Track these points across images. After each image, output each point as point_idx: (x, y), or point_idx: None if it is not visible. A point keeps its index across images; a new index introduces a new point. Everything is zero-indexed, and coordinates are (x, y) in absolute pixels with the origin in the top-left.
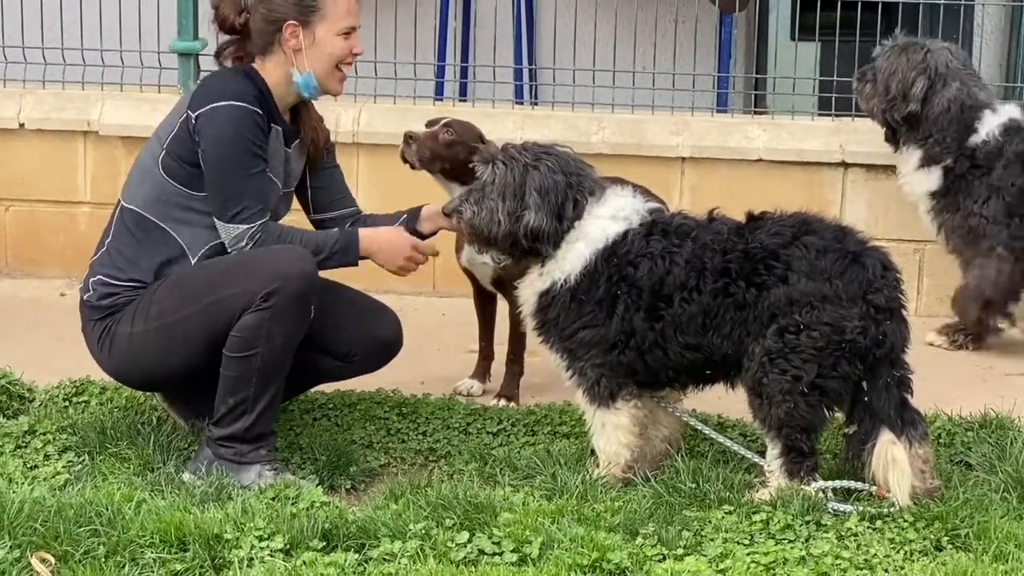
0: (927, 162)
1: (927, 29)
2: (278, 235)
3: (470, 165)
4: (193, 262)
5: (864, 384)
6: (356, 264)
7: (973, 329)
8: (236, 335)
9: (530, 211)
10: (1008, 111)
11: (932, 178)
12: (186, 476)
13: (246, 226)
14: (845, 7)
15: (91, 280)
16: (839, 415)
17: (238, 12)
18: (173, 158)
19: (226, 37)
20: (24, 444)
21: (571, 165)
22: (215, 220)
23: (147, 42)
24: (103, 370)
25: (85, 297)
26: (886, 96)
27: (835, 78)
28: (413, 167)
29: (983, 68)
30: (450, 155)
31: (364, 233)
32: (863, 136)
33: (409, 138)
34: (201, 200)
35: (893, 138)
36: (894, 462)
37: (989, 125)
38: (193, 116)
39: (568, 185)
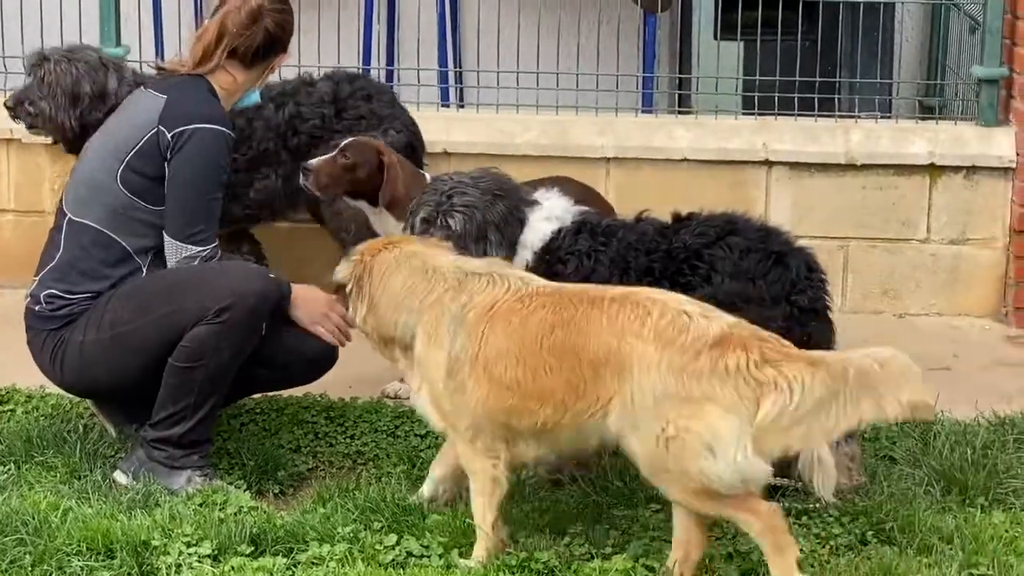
0: None
1: (848, 27)
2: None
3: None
4: (145, 272)
5: None
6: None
7: None
8: (185, 345)
9: (492, 247)
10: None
11: None
12: (117, 474)
13: (199, 248)
14: (767, 6)
15: (42, 294)
16: None
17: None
18: (135, 172)
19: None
20: None
21: (509, 187)
22: (167, 237)
23: None
24: (52, 380)
25: (36, 309)
26: (76, 104)
27: (758, 77)
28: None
29: (903, 66)
30: (351, 178)
31: (295, 288)
32: (786, 134)
33: (305, 169)
34: (158, 214)
35: (77, 143)
36: (820, 461)
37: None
38: (168, 134)
39: (515, 207)
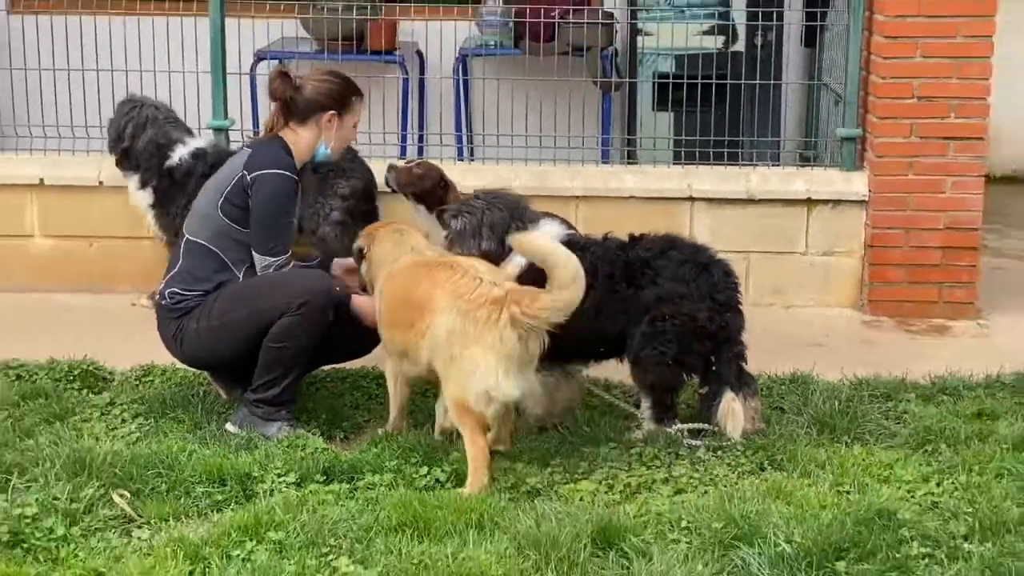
0: (142, 184)
1: (748, 102)
2: (296, 267)
3: (440, 205)
4: (240, 278)
5: (712, 358)
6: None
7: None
8: (275, 331)
9: (484, 241)
10: (196, 142)
11: (147, 195)
12: (229, 426)
13: (275, 259)
14: (690, 88)
15: (167, 291)
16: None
17: (293, 88)
18: (231, 204)
19: (276, 113)
20: (107, 412)
21: (513, 204)
22: (254, 253)
23: (190, 121)
24: (174, 356)
25: (163, 303)
26: (118, 141)
27: (684, 137)
28: (393, 190)
29: (788, 129)
30: (419, 184)
31: (353, 297)
32: (705, 178)
33: (391, 168)
34: (246, 234)
35: (120, 165)
36: (733, 413)
37: (180, 153)
38: (248, 176)
39: (511, 218)
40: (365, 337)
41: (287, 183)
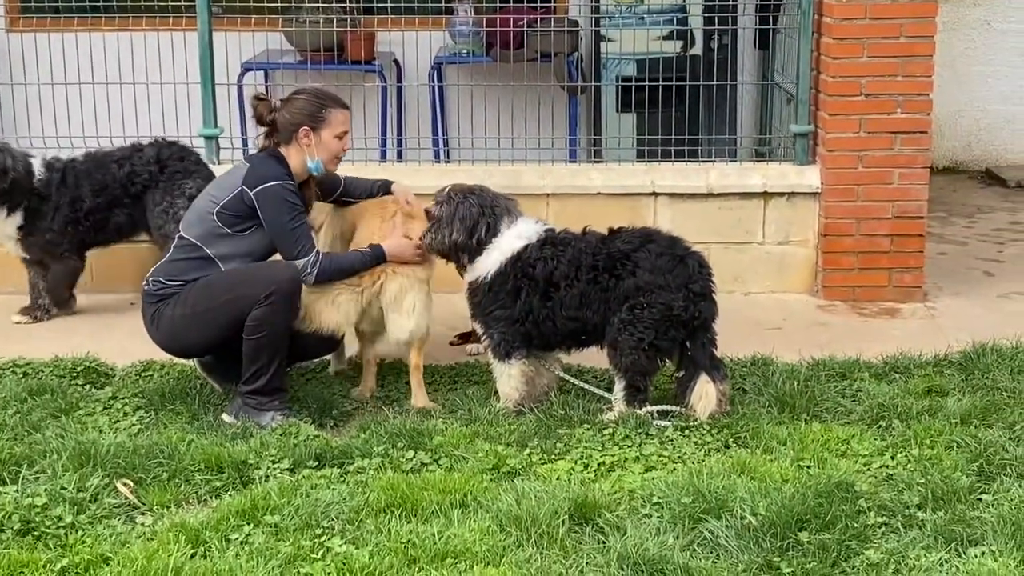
0: (11, 210)
1: (706, 102)
2: (331, 259)
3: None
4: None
5: (687, 344)
6: (386, 261)
7: (62, 306)
8: (249, 323)
9: (455, 232)
10: (37, 156)
11: (17, 219)
12: (225, 417)
13: (305, 259)
14: (651, 90)
15: (151, 279)
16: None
17: (269, 112)
18: (226, 212)
19: (262, 129)
20: (109, 406)
21: (489, 201)
22: (289, 262)
23: (182, 130)
24: (152, 341)
25: (146, 289)
26: None
27: (647, 136)
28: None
29: (743, 126)
30: None
31: (385, 246)
32: (667, 174)
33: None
34: (235, 237)
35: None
36: (707, 395)
37: (37, 167)
38: (250, 192)
39: (481, 214)
40: (327, 334)
41: (283, 190)
